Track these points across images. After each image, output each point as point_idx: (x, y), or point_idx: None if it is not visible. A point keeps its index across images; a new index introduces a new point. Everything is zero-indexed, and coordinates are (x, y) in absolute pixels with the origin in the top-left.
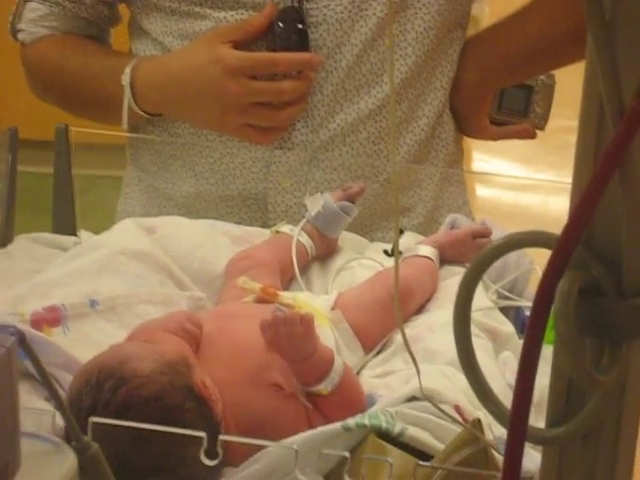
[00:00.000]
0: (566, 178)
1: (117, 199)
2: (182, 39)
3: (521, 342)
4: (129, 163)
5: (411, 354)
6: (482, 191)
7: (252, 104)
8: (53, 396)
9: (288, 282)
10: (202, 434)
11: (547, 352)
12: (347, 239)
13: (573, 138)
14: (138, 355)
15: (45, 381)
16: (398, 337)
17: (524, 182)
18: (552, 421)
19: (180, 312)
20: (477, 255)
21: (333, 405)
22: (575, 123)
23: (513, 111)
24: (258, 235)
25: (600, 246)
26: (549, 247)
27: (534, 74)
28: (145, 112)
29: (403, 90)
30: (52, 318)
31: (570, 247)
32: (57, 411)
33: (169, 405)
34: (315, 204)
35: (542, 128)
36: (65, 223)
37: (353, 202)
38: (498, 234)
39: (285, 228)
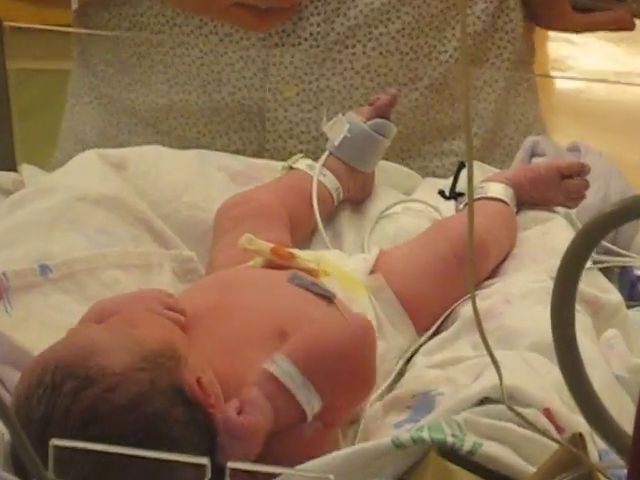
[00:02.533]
0: None
1: (62, 102)
2: None
3: (631, 313)
4: (76, 65)
5: (484, 338)
6: (561, 83)
7: None
8: (3, 417)
9: (306, 239)
10: (204, 461)
11: None
12: (387, 173)
13: None
14: (108, 345)
15: None
16: (464, 311)
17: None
18: None
19: (151, 290)
20: (582, 228)
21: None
22: None
23: None
24: (266, 170)
25: None
26: None
27: None
28: None
29: None
30: None
31: None
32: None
33: (151, 413)
34: (338, 129)
35: None
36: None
37: (387, 118)
38: (596, 166)
39: (301, 164)
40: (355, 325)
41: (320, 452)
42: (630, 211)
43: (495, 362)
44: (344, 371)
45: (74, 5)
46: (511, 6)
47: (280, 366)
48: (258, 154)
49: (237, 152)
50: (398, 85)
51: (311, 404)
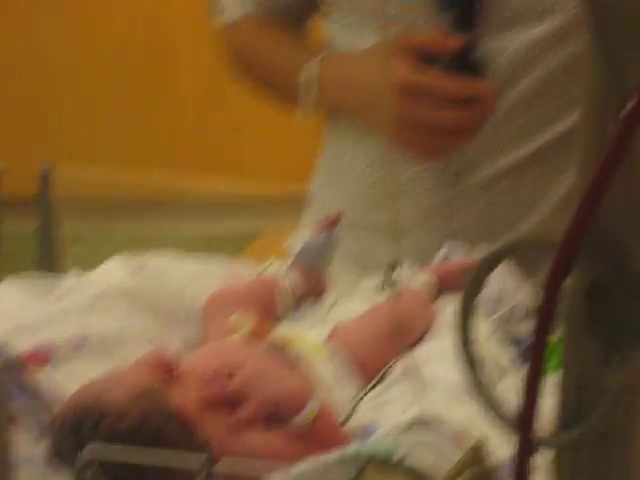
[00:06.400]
0: None
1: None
2: None
3: (522, 371)
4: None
5: (416, 371)
6: None
7: (418, 121)
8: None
9: (276, 323)
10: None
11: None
12: (338, 276)
13: None
14: (109, 387)
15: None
16: (397, 366)
17: None
18: (562, 425)
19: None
20: (480, 258)
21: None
22: None
23: None
24: (248, 272)
25: (606, 245)
26: (553, 248)
27: None
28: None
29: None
30: (41, 357)
31: (574, 247)
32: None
33: (154, 429)
34: (297, 242)
35: None
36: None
37: (334, 231)
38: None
39: (273, 267)
40: None
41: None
42: (503, 253)
43: (423, 391)
44: None
45: (300, 117)
46: None
47: None
48: None
49: None
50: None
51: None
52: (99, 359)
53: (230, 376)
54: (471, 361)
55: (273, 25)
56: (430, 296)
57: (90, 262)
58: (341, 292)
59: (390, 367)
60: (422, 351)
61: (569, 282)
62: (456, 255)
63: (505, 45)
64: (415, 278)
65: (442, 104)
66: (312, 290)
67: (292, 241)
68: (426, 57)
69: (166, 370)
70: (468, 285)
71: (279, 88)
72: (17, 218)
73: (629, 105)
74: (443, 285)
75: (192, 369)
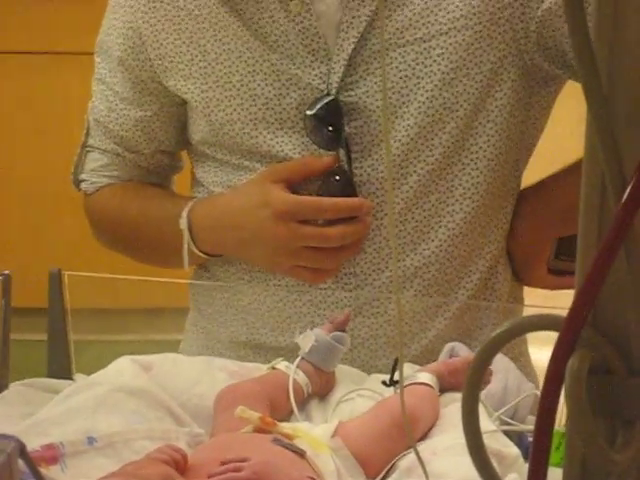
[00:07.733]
0: None
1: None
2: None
3: (526, 466)
4: (190, 304)
5: (422, 465)
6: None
7: (302, 247)
8: None
9: (284, 420)
10: None
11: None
12: (344, 372)
13: None
14: None
15: None
16: (401, 463)
17: None
18: None
19: (161, 446)
20: (485, 341)
21: None
22: None
23: (572, 259)
24: (255, 370)
25: (608, 324)
26: (557, 329)
27: None
28: (205, 253)
29: (453, 247)
30: (50, 456)
31: (577, 327)
32: None
33: None
34: (307, 340)
35: None
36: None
37: (344, 331)
38: (497, 363)
39: (281, 365)
40: None
41: None
42: (507, 335)
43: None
44: None
45: (185, 267)
46: (500, 271)
47: None
48: None
49: None
50: (411, 335)
51: None
52: (107, 458)
53: (238, 469)
54: (479, 444)
55: (136, 185)
56: (434, 393)
57: (96, 366)
58: (348, 389)
59: (395, 463)
60: (427, 446)
61: (572, 361)
62: (457, 354)
63: (378, 158)
64: (418, 375)
65: (320, 225)
66: (321, 388)
67: (300, 338)
68: (299, 182)
69: (176, 464)
70: (472, 369)
71: (153, 245)
72: (25, 327)
73: (629, 186)
74: (446, 382)
75: (201, 462)
